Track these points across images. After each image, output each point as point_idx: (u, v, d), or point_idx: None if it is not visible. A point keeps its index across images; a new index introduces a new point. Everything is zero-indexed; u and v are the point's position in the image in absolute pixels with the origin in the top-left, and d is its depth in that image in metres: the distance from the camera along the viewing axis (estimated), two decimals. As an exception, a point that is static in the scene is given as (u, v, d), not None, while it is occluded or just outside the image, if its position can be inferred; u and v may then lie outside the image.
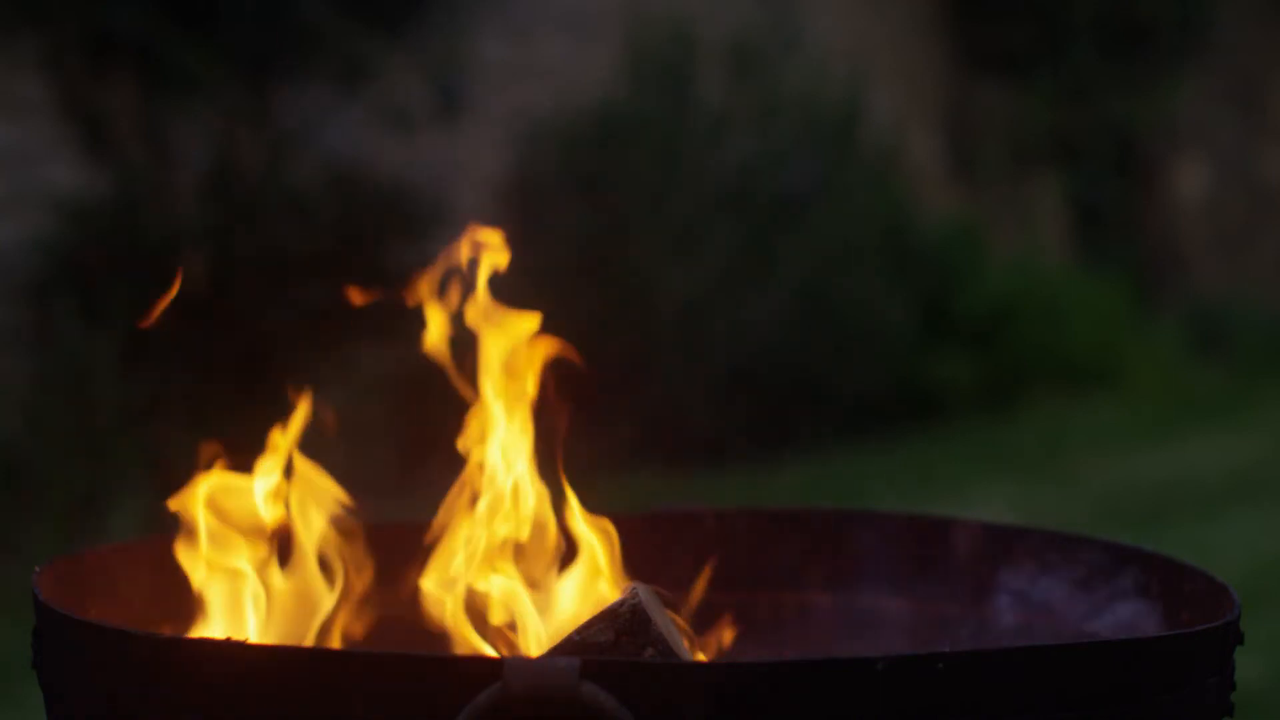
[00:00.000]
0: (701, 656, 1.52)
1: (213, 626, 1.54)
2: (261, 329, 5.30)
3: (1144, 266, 9.75)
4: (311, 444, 1.61)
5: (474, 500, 1.58)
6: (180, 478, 1.55)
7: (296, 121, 5.72)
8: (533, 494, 1.59)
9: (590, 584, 1.58)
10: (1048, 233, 9.33)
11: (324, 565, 1.60)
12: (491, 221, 1.63)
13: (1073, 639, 1.63)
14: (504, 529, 1.56)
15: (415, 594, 1.55)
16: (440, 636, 1.53)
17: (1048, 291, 8.10)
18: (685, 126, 6.78)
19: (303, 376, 1.73)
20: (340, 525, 1.61)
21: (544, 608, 1.56)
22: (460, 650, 1.51)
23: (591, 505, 1.62)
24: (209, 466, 1.56)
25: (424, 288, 1.61)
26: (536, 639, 1.52)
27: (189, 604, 1.58)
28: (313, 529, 1.59)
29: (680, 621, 1.47)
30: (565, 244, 6.36)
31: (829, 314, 6.86)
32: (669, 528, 1.82)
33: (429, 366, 1.62)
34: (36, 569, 1.45)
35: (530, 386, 1.60)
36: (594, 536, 1.58)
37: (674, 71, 6.85)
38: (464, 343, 1.60)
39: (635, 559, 1.74)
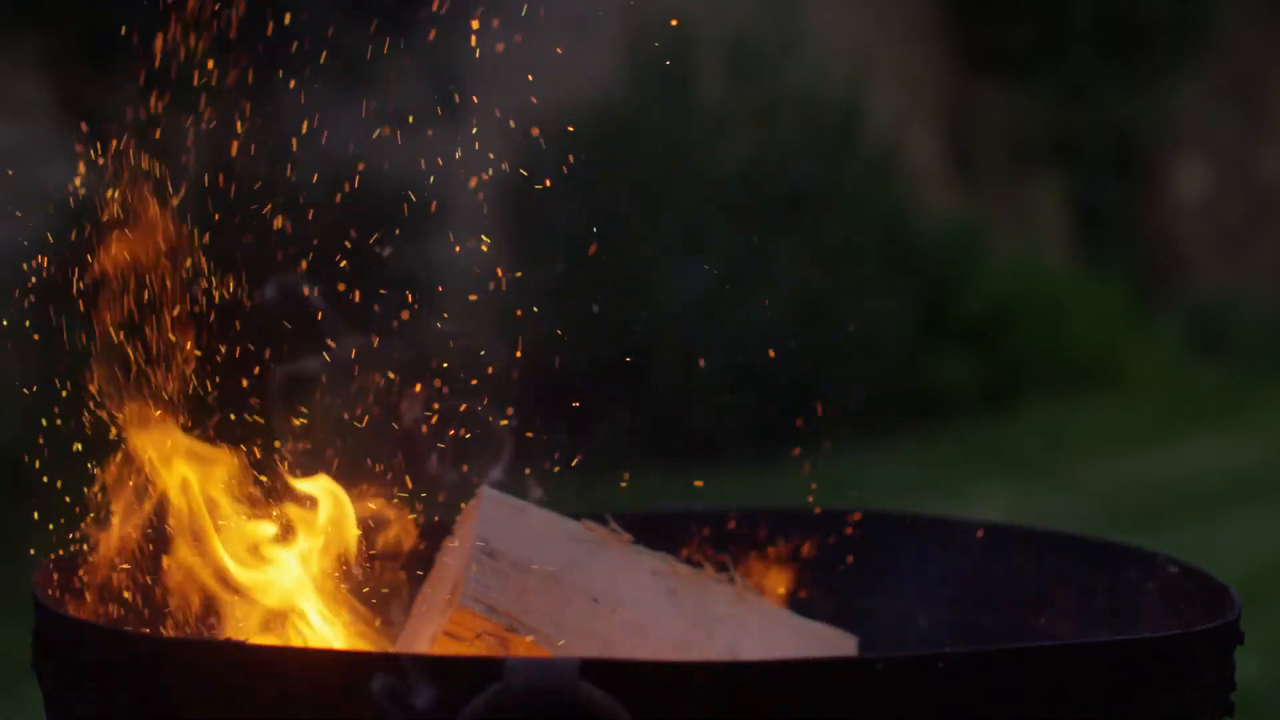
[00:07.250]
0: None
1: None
2: (260, 329, 5.30)
3: (1144, 266, 9.75)
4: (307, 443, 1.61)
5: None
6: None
7: (296, 121, 5.72)
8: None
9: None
10: (1048, 233, 9.32)
11: None
12: (491, 222, 1.63)
13: (1072, 639, 1.63)
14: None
15: None
16: None
17: (1048, 291, 8.09)
18: (685, 126, 6.77)
19: (300, 376, 1.73)
20: None
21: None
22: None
23: (591, 505, 1.61)
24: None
25: None
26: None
27: (187, 604, 1.58)
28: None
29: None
30: (564, 244, 6.35)
31: (829, 314, 6.86)
32: (668, 528, 1.82)
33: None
34: (37, 569, 1.45)
35: None
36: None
37: (674, 71, 6.84)
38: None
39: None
